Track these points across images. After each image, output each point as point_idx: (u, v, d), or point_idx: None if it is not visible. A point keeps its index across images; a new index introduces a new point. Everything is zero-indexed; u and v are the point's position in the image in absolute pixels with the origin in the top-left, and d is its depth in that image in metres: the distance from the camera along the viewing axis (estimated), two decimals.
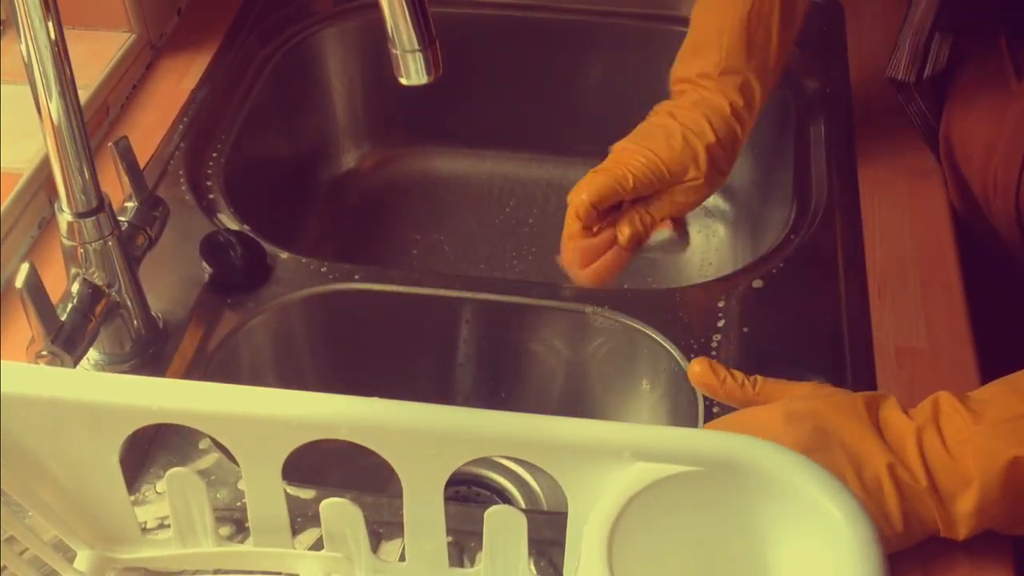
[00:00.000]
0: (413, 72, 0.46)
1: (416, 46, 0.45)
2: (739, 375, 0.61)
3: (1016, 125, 0.70)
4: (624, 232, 0.72)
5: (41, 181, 0.76)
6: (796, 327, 0.70)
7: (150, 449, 0.63)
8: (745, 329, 0.70)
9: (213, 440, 0.63)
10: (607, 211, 0.72)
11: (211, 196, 0.80)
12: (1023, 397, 0.54)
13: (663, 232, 0.75)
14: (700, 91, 0.75)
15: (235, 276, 0.73)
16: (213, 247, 0.72)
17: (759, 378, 0.61)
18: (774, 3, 0.74)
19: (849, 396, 0.57)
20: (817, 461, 0.53)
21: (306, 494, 0.61)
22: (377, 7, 0.47)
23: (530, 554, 0.53)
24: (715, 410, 0.65)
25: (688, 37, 0.78)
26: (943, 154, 0.78)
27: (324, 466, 0.78)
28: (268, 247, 0.75)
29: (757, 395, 0.60)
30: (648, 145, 0.72)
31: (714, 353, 0.69)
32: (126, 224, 0.65)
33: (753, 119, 0.76)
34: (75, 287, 0.62)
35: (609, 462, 0.47)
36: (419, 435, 0.48)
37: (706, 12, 0.77)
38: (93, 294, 0.62)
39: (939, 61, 0.75)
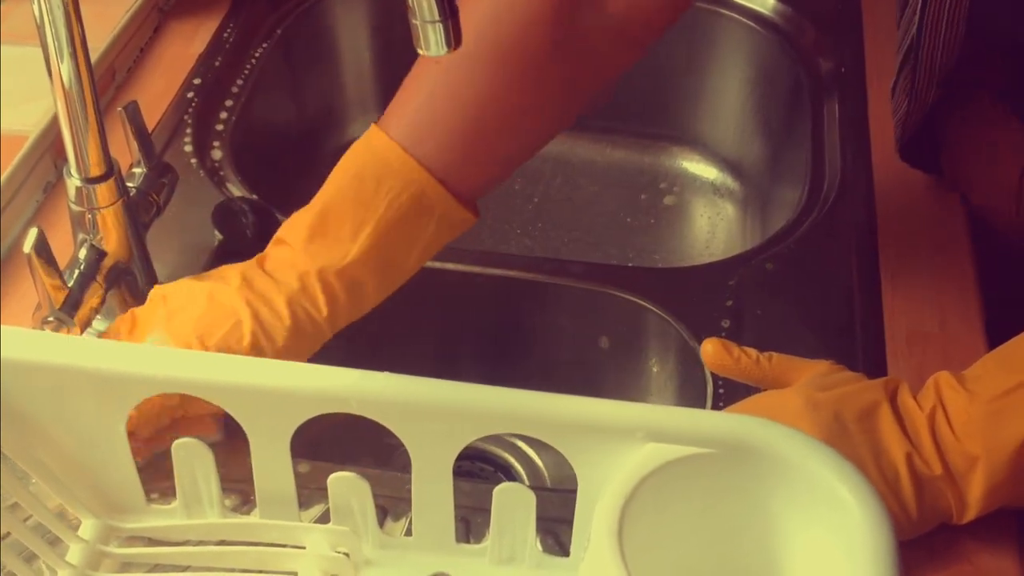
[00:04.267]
0: (433, 43, 0.45)
1: (437, 17, 0.45)
2: (752, 352, 0.60)
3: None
4: None
5: (47, 145, 0.75)
6: (806, 309, 0.70)
7: None
8: (758, 311, 0.69)
9: None
10: None
11: (218, 163, 0.80)
12: (1011, 369, 0.55)
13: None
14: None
15: (246, 245, 0.72)
16: (226, 214, 0.72)
17: (773, 354, 0.60)
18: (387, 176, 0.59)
19: (870, 384, 0.57)
20: (837, 448, 0.53)
21: (308, 468, 0.60)
22: None
23: (537, 531, 0.52)
24: (720, 391, 0.65)
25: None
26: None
27: (323, 441, 0.77)
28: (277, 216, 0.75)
29: (772, 370, 0.60)
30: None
31: (723, 334, 0.68)
32: (134, 190, 0.64)
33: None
34: (82, 253, 0.61)
35: (621, 442, 0.46)
36: (431, 411, 0.47)
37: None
38: (100, 260, 0.61)
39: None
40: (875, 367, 0.65)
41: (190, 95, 0.84)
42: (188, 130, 0.81)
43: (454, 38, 0.45)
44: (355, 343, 0.79)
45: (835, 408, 0.55)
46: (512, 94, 0.61)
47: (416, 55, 0.49)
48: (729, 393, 0.64)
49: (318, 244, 0.59)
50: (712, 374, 0.67)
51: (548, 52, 0.60)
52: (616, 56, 0.63)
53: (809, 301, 0.70)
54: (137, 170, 0.66)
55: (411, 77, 0.62)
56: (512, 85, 0.60)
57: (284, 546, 0.54)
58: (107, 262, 0.61)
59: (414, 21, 0.44)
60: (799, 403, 0.55)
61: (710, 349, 0.60)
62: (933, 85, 0.70)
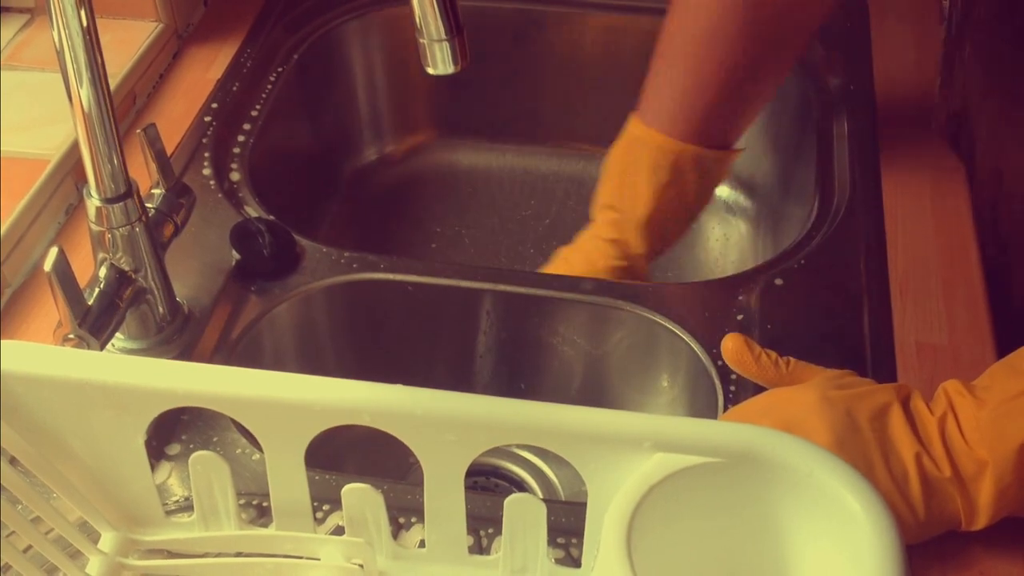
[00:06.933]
0: (440, 62, 0.46)
1: (443, 35, 0.46)
2: (772, 354, 0.61)
3: None
4: None
5: (69, 167, 0.77)
6: (817, 323, 0.70)
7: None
8: (768, 326, 0.70)
9: (236, 424, 0.63)
10: None
11: (236, 185, 0.81)
12: (1020, 375, 0.55)
13: None
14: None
15: (263, 264, 0.73)
16: (243, 235, 0.73)
17: (791, 359, 0.61)
18: (644, 149, 0.76)
19: (883, 387, 0.58)
20: (847, 445, 0.53)
21: (328, 480, 0.61)
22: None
23: (548, 543, 0.53)
24: (731, 405, 0.66)
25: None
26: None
27: (344, 456, 0.78)
28: (294, 236, 0.76)
29: (789, 375, 0.61)
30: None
31: None
32: (153, 210, 0.66)
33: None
34: (102, 272, 0.63)
35: (629, 452, 0.47)
36: (441, 422, 0.48)
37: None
38: (120, 279, 0.63)
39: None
40: (885, 379, 0.66)
41: (208, 119, 0.85)
42: (207, 153, 0.83)
43: (460, 56, 0.46)
44: (367, 359, 0.80)
45: (848, 405, 0.55)
46: (737, 59, 0.73)
47: (429, 78, 0.50)
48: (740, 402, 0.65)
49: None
50: (723, 388, 0.67)
51: (746, 23, 0.71)
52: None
53: (819, 315, 0.71)
54: (156, 191, 0.67)
55: (652, 71, 0.77)
56: (734, 52, 0.72)
57: (300, 557, 0.55)
58: (126, 280, 0.63)
59: (421, 40, 0.46)
60: (812, 398, 0.56)
61: (731, 345, 0.61)
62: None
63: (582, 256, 0.78)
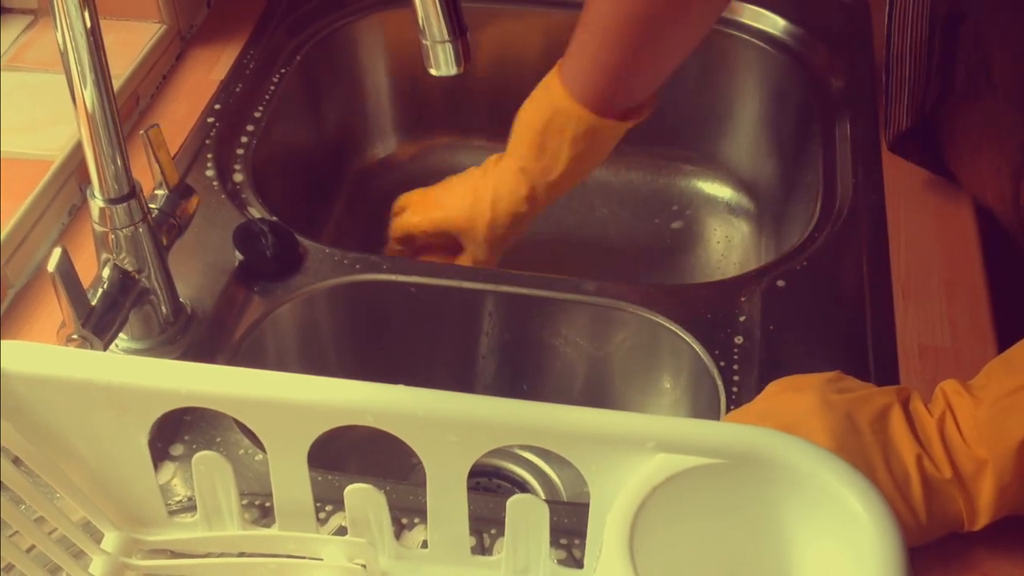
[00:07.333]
0: (443, 63, 0.47)
1: (446, 37, 0.46)
2: None
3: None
4: None
5: (72, 168, 0.77)
6: (819, 325, 0.70)
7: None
8: (771, 328, 0.70)
9: (239, 424, 0.63)
10: None
11: (239, 186, 0.81)
12: (1015, 371, 0.55)
13: None
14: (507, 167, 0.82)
15: (266, 265, 0.74)
16: (246, 236, 0.73)
17: None
18: (567, 122, 0.78)
19: (883, 389, 0.58)
20: (848, 449, 0.53)
21: (331, 481, 0.61)
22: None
23: (551, 543, 0.53)
24: (732, 406, 0.66)
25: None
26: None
27: (346, 456, 0.78)
28: (297, 237, 0.76)
29: None
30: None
31: (736, 350, 0.69)
32: (156, 211, 0.66)
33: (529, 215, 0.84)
34: (106, 272, 0.63)
35: (632, 453, 0.47)
36: (444, 423, 0.48)
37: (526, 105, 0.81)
38: (123, 279, 0.63)
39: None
40: (888, 381, 0.66)
41: (211, 120, 0.86)
42: (210, 154, 0.83)
43: (463, 57, 0.46)
44: (370, 360, 0.80)
45: (848, 408, 0.56)
46: (649, 11, 0.73)
47: (432, 79, 0.50)
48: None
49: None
50: (725, 389, 0.67)
51: None
52: None
53: (821, 316, 0.71)
54: (159, 192, 0.67)
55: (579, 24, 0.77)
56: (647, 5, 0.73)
57: (302, 558, 0.55)
58: (129, 281, 0.63)
59: (424, 42, 0.46)
60: (813, 401, 0.56)
61: None
62: (905, 83, 0.75)
63: (493, 192, 0.82)
